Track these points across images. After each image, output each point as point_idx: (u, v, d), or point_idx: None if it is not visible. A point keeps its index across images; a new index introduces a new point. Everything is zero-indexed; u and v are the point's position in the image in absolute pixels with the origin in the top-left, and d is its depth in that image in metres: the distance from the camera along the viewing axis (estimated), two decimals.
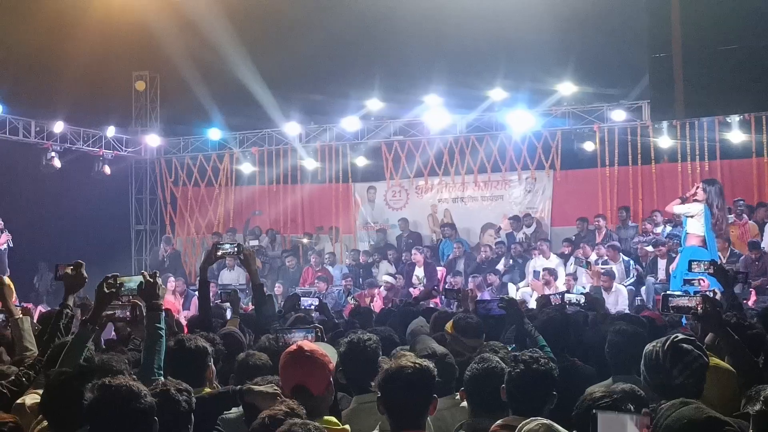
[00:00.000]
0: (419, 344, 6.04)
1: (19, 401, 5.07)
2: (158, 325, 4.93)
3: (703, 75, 12.55)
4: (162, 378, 4.97)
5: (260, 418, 4.02)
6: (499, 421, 4.53)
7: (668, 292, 5.79)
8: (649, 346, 4.68)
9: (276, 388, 4.79)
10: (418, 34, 19.14)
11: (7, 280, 7.00)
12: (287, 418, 3.89)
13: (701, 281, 9.85)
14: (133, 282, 5.27)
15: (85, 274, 5.74)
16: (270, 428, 3.90)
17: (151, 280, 5.10)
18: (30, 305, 16.68)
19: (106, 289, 5.28)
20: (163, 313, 5.10)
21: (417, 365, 4.19)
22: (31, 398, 5.06)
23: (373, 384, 4.55)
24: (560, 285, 16.20)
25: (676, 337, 4.64)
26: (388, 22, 19.17)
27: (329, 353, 4.67)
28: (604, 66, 19.00)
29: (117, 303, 5.79)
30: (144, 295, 5.10)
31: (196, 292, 17.16)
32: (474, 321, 7.03)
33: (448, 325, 7.16)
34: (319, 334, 5.90)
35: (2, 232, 16.55)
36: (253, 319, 8.21)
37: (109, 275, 5.32)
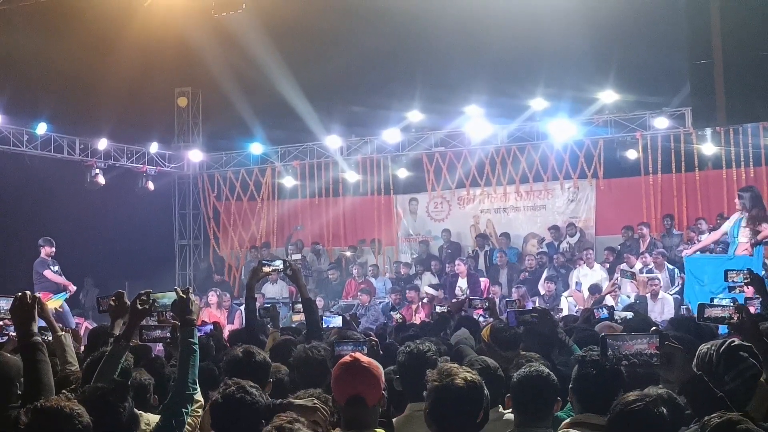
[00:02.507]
0: (467, 356, 6.01)
1: None
2: (191, 340, 4.94)
3: (744, 81, 12.30)
4: (197, 392, 5.00)
5: (266, 431, 4.00)
6: (567, 420, 4.54)
7: (703, 302, 5.72)
8: (703, 348, 4.65)
9: (316, 401, 4.79)
10: (457, 45, 19.10)
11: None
12: (293, 425, 3.89)
13: (744, 288, 9.67)
14: (166, 298, 5.29)
15: (127, 301, 5.75)
16: None
17: (184, 296, 5.11)
18: (82, 319, 17.04)
19: (139, 306, 5.32)
20: (196, 328, 5.10)
21: (468, 379, 4.17)
22: None
23: (425, 394, 4.55)
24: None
25: (733, 342, 4.59)
26: (428, 34, 19.16)
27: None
28: (646, 73, 18.83)
29: (158, 322, 5.84)
30: (177, 310, 5.12)
31: (240, 307, 17.43)
32: (511, 333, 6.98)
33: (485, 332, 7.12)
34: (375, 348, 5.87)
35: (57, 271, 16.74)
36: (302, 332, 8.26)
37: (142, 292, 5.36)
